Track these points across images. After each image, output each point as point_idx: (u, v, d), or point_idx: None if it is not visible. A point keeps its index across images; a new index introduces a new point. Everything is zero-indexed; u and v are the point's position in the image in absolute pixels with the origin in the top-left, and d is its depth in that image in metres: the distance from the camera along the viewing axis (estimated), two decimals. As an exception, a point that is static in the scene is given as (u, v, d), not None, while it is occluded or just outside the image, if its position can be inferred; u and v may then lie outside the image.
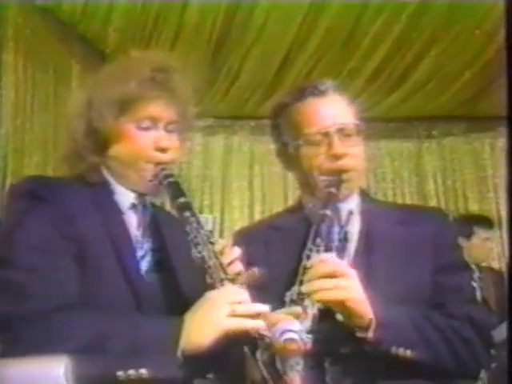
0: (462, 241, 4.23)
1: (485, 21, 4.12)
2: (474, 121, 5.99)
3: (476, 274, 4.11)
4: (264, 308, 1.27)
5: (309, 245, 1.48)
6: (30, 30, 3.75)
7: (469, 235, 4.20)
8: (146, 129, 1.47)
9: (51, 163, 3.66)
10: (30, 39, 3.74)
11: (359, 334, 1.40)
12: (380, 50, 4.54)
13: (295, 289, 1.40)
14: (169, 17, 4.06)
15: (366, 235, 1.62)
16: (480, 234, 4.26)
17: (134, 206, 1.50)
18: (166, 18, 4.07)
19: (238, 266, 1.38)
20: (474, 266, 4.13)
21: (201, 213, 5.52)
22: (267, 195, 5.92)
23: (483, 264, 4.38)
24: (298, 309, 1.34)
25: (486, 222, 4.43)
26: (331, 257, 1.45)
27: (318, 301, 1.36)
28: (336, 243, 1.57)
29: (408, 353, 1.41)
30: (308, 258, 1.45)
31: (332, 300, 1.38)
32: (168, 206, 1.62)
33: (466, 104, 5.54)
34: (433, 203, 5.96)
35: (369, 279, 1.43)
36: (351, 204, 1.67)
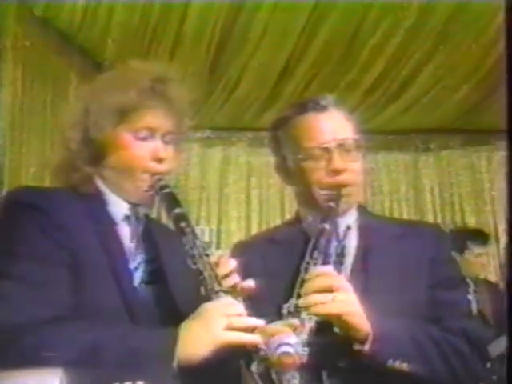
0: (455, 255, 4.22)
1: (482, 34, 4.13)
2: (472, 134, 6.01)
3: (472, 287, 4.11)
4: (259, 323, 1.26)
5: (306, 258, 1.48)
6: (29, 40, 3.75)
7: (462, 250, 4.19)
8: (144, 139, 1.46)
9: (48, 174, 3.65)
10: (28, 50, 3.74)
11: (356, 347, 1.40)
12: (378, 63, 4.56)
13: (292, 301, 1.40)
14: (167, 28, 4.07)
15: (364, 250, 1.62)
16: (473, 249, 4.23)
17: (127, 218, 1.49)
18: (164, 29, 4.08)
19: (235, 278, 1.37)
20: (469, 280, 4.13)
21: (198, 224, 5.51)
22: (264, 207, 5.92)
23: (480, 276, 4.37)
24: (295, 321, 1.34)
25: (480, 237, 4.40)
26: (329, 270, 1.45)
27: (314, 314, 1.36)
28: (333, 257, 1.57)
29: (404, 366, 1.41)
30: (306, 270, 1.45)
31: (328, 314, 1.37)
32: (163, 218, 1.61)
33: (463, 117, 5.55)
34: (429, 216, 5.97)
35: (366, 293, 1.43)
36: (349, 219, 1.67)
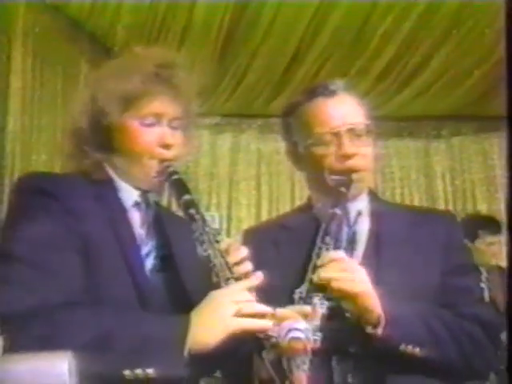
0: (466, 242, 4.19)
1: (495, 19, 4.08)
2: (484, 120, 5.96)
3: (484, 275, 4.08)
4: (268, 309, 1.26)
5: (318, 243, 1.48)
6: (39, 28, 3.75)
7: (473, 238, 4.16)
8: (150, 125, 1.45)
9: (59, 161, 3.66)
10: (38, 37, 3.74)
11: (369, 331, 1.40)
12: (389, 49, 4.53)
13: (304, 287, 1.40)
14: (177, 14, 4.07)
15: (375, 235, 1.62)
16: (485, 238, 4.19)
17: (137, 204, 1.49)
18: (174, 16, 4.07)
19: (247, 266, 1.36)
20: (482, 267, 4.11)
21: (208, 211, 5.52)
22: (274, 194, 5.92)
23: (492, 263, 4.33)
24: (306, 307, 1.34)
25: (492, 225, 4.33)
26: (341, 255, 1.45)
27: (334, 290, 1.36)
28: (344, 243, 1.57)
29: (417, 351, 1.41)
30: (318, 256, 1.45)
31: (347, 291, 1.38)
32: (172, 206, 1.61)
33: (475, 103, 5.51)
34: (441, 203, 5.96)
35: (377, 279, 1.43)
36: (360, 204, 1.67)
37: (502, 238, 4.73)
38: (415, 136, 6.15)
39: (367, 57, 4.61)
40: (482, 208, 5.89)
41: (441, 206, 5.90)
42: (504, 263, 4.94)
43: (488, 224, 4.34)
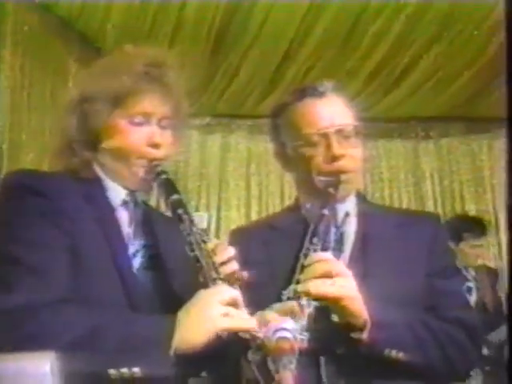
0: (450, 244, 4.21)
1: (484, 21, 4.11)
2: (472, 122, 6.00)
3: (472, 274, 4.10)
4: (252, 323, 1.25)
5: (306, 244, 1.48)
6: (28, 27, 3.73)
7: (457, 240, 4.17)
8: (139, 124, 1.44)
9: (47, 160, 3.65)
10: (27, 36, 3.72)
11: (354, 335, 1.40)
12: (379, 50, 4.54)
13: (292, 287, 1.39)
14: (167, 14, 4.05)
15: (362, 237, 1.62)
16: (469, 240, 4.20)
17: (125, 203, 1.48)
18: (164, 15, 4.06)
19: (233, 266, 1.36)
20: (470, 268, 4.13)
21: (197, 211, 5.51)
22: (264, 194, 5.92)
23: (478, 263, 4.35)
24: (293, 303, 1.33)
25: (477, 228, 4.32)
26: (328, 256, 1.45)
27: (313, 296, 1.35)
28: (332, 244, 1.57)
29: (401, 355, 1.41)
30: (305, 256, 1.44)
31: (327, 295, 1.37)
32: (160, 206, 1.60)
33: (464, 105, 5.54)
34: (429, 204, 5.98)
35: (364, 281, 1.43)
36: (348, 205, 1.67)
37: (490, 239, 4.76)
38: (404, 137, 6.17)
39: (357, 57, 4.62)
40: (471, 208, 5.92)
41: (429, 206, 5.93)
42: (491, 263, 4.98)
43: (473, 227, 4.34)
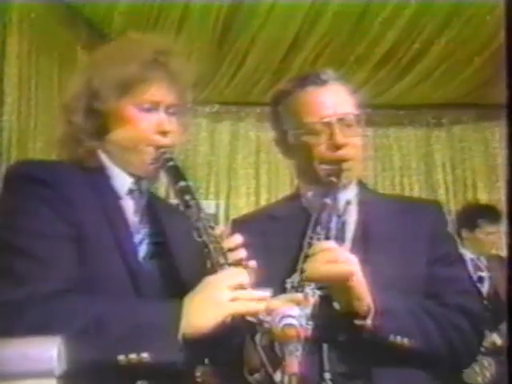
0: (465, 232, 4.19)
1: (496, 6, 4.06)
2: (485, 108, 5.92)
3: (484, 263, 4.08)
4: (265, 294, 1.27)
5: (309, 233, 1.50)
6: (35, 13, 3.73)
7: (472, 227, 4.15)
8: (148, 111, 1.44)
9: (55, 149, 3.64)
10: (34, 23, 3.72)
11: (358, 322, 1.41)
12: (389, 37, 4.51)
13: (296, 276, 1.41)
14: (175, 1, 4.04)
15: (363, 225, 1.63)
16: (484, 227, 4.18)
17: (131, 192, 1.48)
18: (171, 2, 4.05)
19: (241, 253, 1.36)
20: (482, 257, 4.10)
21: (206, 199, 5.52)
22: (273, 182, 5.90)
23: (491, 252, 4.32)
24: (299, 295, 1.35)
25: (491, 215, 4.29)
26: (332, 244, 1.46)
27: (323, 276, 1.37)
28: (334, 232, 1.58)
29: (405, 341, 1.43)
30: (309, 245, 1.46)
31: (338, 273, 1.38)
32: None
33: (476, 91, 5.49)
34: (441, 192, 5.95)
35: (365, 268, 1.44)
36: (349, 194, 1.68)
37: (502, 227, 4.72)
38: (415, 124, 6.12)
39: (367, 44, 4.58)
40: (483, 197, 5.88)
41: (441, 194, 5.90)
42: (503, 253, 4.95)
43: (487, 213, 4.32)
